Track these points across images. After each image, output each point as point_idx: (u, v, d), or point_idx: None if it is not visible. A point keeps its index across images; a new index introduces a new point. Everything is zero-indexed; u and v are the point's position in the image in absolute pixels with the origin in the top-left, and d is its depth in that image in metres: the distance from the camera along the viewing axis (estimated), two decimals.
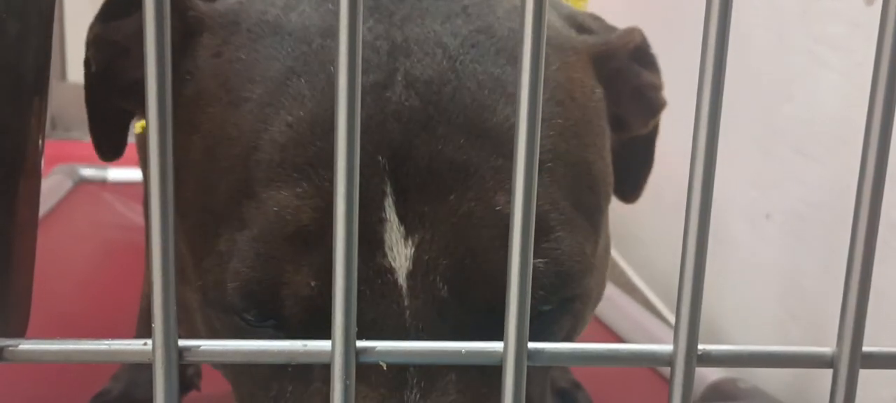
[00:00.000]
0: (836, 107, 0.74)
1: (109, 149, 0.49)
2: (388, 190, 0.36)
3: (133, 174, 1.32)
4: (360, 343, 0.25)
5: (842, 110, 0.74)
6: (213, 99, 0.39)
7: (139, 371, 0.72)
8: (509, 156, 0.37)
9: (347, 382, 0.25)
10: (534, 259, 0.35)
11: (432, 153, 0.36)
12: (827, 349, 0.27)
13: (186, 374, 0.71)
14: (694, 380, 0.26)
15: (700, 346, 0.26)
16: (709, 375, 0.79)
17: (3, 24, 0.32)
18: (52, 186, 1.34)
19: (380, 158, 0.36)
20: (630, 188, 0.55)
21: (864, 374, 0.27)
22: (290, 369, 0.38)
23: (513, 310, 0.25)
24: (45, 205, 1.24)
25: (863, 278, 0.26)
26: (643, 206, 1.15)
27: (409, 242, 0.36)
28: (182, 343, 0.25)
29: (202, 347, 0.25)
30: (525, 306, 0.25)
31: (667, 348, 0.26)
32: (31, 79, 0.34)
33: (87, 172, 1.45)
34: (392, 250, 0.36)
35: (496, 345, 0.26)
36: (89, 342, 0.26)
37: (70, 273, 1.04)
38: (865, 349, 0.27)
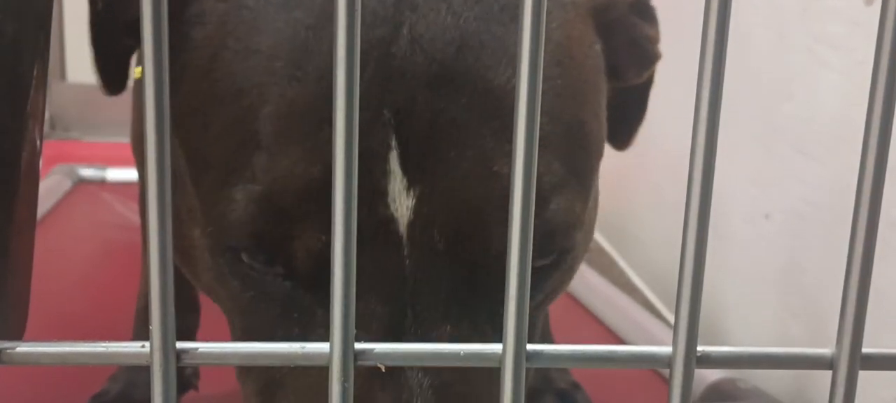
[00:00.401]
0: (836, 106, 0.74)
1: (114, 83, 0.50)
2: (393, 143, 0.37)
3: (132, 174, 1.31)
4: (358, 346, 0.25)
5: (842, 109, 0.74)
6: (222, 45, 0.40)
7: (137, 371, 0.72)
8: (510, 116, 0.38)
9: (346, 384, 0.25)
10: None
11: (435, 110, 0.37)
12: (826, 350, 0.27)
13: (184, 374, 0.71)
14: (693, 381, 0.26)
15: (699, 348, 0.26)
16: (708, 375, 0.79)
17: (1, 25, 0.32)
18: (51, 186, 1.34)
19: (385, 112, 0.37)
20: (622, 137, 0.56)
21: (865, 374, 0.27)
22: (296, 315, 0.39)
23: (511, 311, 0.25)
24: (44, 205, 1.24)
25: (862, 277, 0.26)
26: (643, 206, 1.15)
27: (411, 194, 0.37)
28: (180, 345, 0.25)
29: (200, 349, 0.25)
30: (524, 306, 0.25)
31: (666, 349, 0.26)
32: (29, 79, 0.34)
33: (87, 172, 1.45)
34: (394, 201, 0.37)
35: (495, 347, 0.26)
36: (87, 344, 0.26)
37: (69, 273, 1.04)
38: (865, 350, 0.26)
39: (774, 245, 0.84)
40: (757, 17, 0.85)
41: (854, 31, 0.72)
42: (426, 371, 0.37)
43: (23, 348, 0.26)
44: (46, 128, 1.68)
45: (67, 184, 1.39)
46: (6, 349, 0.26)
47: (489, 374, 0.39)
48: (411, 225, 0.37)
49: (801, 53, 0.79)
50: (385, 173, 0.37)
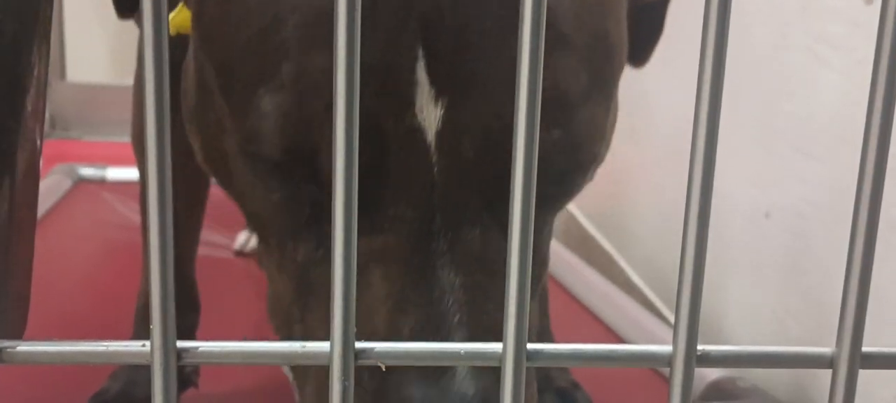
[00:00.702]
0: (836, 105, 0.74)
1: (126, 5, 0.51)
2: (420, 53, 0.37)
3: (132, 173, 1.32)
4: (359, 345, 0.25)
5: (842, 109, 0.74)
6: None
7: (137, 370, 0.72)
8: None
9: (346, 383, 0.25)
10: (553, 129, 0.38)
11: (463, 20, 0.37)
12: (826, 349, 0.27)
13: (184, 372, 0.71)
14: (693, 380, 0.26)
15: (699, 347, 0.26)
16: (708, 374, 0.79)
17: (1, 25, 0.32)
18: (51, 186, 1.34)
19: (412, 22, 0.37)
20: (639, 54, 0.57)
21: (865, 374, 0.27)
22: (325, 222, 0.40)
23: (512, 311, 0.25)
24: (44, 205, 1.24)
25: (862, 277, 0.26)
26: (643, 205, 1.15)
27: (440, 104, 0.37)
28: (180, 344, 0.25)
29: (201, 348, 0.25)
30: (524, 306, 0.25)
31: (666, 348, 0.26)
32: (29, 78, 0.34)
33: (87, 172, 1.46)
34: (422, 111, 0.37)
35: (495, 346, 0.26)
36: (87, 343, 0.26)
37: (69, 272, 1.04)
38: (865, 349, 0.26)
39: (774, 244, 0.84)
40: (757, 16, 0.85)
41: (854, 31, 0.72)
42: (457, 271, 0.38)
43: (23, 347, 0.26)
44: (46, 127, 1.68)
45: (67, 184, 1.39)
46: (6, 348, 0.26)
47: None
48: (439, 134, 0.38)
49: (801, 53, 0.79)
50: (412, 83, 0.37)
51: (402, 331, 0.37)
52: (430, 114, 0.37)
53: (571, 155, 0.40)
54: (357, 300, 0.38)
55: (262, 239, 0.45)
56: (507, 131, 0.38)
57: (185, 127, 0.47)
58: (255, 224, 0.45)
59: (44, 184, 1.23)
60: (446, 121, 0.37)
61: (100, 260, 1.12)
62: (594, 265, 1.15)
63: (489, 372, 0.37)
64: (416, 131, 0.37)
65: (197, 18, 0.44)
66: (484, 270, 0.39)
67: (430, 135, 0.37)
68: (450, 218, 0.38)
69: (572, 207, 1.29)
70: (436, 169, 0.38)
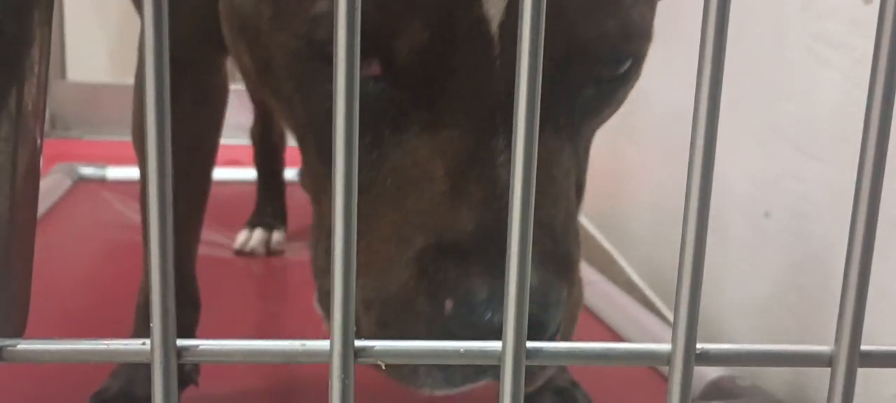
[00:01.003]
0: (836, 104, 0.74)
1: None
2: None
3: (132, 172, 1.32)
4: (359, 343, 0.25)
5: (841, 108, 0.74)
6: None
7: (137, 368, 0.72)
8: None
9: (346, 381, 0.25)
10: (609, 20, 0.40)
11: None
12: (825, 348, 0.27)
13: (184, 370, 0.71)
14: (693, 378, 0.26)
15: (699, 345, 0.26)
16: (708, 372, 0.79)
17: (2, 25, 0.32)
18: (52, 185, 1.34)
19: None
20: None
21: (866, 371, 0.27)
22: (388, 115, 0.41)
23: (511, 310, 0.25)
24: (44, 204, 1.24)
25: (861, 276, 0.26)
26: (643, 204, 1.15)
27: None
28: (180, 342, 0.25)
29: (201, 347, 0.25)
30: (524, 306, 0.25)
31: (665, 347, 0.26)
32: (30, 77, 0.34)
33: (87, 171, 1.46)
34: (488, 0, 0.38)
35: (495, 344, 0.26)
36: (88, 342, 0.26)
37: (69, 271, 1.04)
38: (864, 347, 0.27)
39: (774, 243, 0.84)
40: (757, 15, 0.85)
41: (853, 30, 0.72)
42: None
43: (24, 345, 0.26)
44: (46, 126, 1.68)
45: (67, 183, 1.39)
46: (7, 346, 0.26)
47: (567, 173, 0.43)
48: (502, 24, 0.38)
49: (800, 52, 0.79)
50: None
51: (466, 228, 0.38)
52: (494, 6, 0.38)
53: (624, 43, 0.42)
54: (420, 193, 0.40)
55: (310, 154, 0.45)
56: (567, 27, 0.39)
57: (226, 37, 0.47)
58: (304, 134, 0.45)
59: (44, 184, 1.23)
60: (510, 12, 0.38)
61: (100, 259, 1.12)
62: (594, 264, 1.15)
63: (552, 263, 0.39)
64: (482, 22, 0.38)
65: None
66: (540, 169, 0.40)
67: (495, 25, 0.38)
68: (509, 116, 0.39)
69: None
70: (497, 62, 0.39)
